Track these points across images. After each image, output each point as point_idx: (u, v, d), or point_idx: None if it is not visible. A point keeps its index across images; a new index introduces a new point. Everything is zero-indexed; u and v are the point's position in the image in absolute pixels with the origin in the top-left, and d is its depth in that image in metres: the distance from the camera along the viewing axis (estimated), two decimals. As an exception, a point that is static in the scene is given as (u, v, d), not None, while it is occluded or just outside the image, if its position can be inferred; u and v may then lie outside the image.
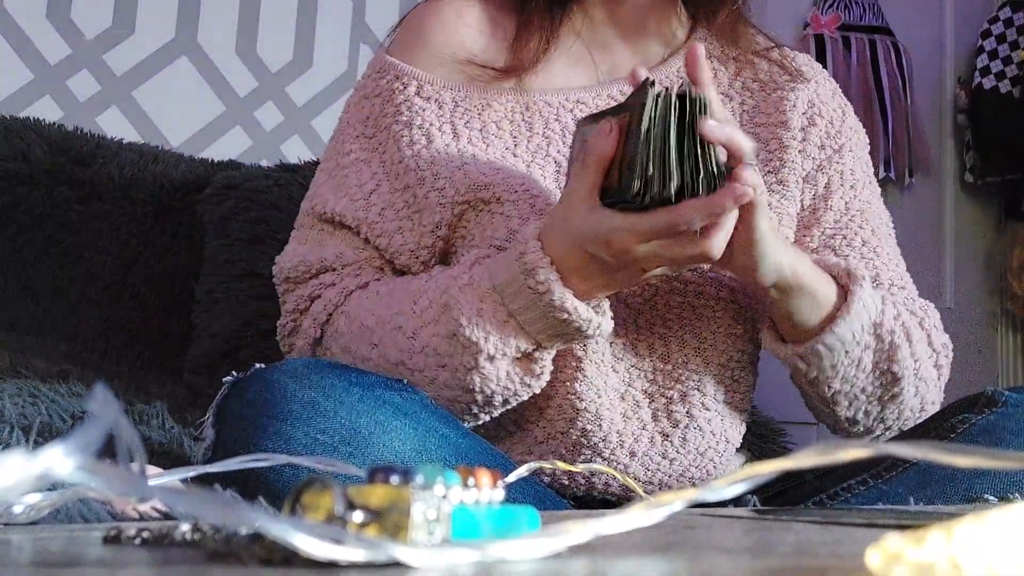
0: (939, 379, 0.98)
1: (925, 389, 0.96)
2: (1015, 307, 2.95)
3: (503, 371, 0.84)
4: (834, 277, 0.90)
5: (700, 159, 0.76)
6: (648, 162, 0.75)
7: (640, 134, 0.75)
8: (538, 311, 0.81)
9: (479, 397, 0.85)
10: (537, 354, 0.85)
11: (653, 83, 0.77)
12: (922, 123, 2.88)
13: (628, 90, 1.00)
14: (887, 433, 0.98)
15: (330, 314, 0.95)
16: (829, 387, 0.92)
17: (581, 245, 0.79)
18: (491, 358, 0.83)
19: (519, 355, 0.84)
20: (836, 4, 2.78)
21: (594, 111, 0.98)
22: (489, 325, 0.82)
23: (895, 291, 1.01)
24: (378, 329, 0.90)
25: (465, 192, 0.92)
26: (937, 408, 0.99)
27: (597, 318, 0.83)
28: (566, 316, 0.81)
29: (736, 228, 0.79)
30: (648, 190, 0.75)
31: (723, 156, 0.77)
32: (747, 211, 0.79)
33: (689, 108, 0.76)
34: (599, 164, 0.77)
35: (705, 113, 0.76)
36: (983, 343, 2.98)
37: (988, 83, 2.85)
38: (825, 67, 2.75)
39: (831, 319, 0.88)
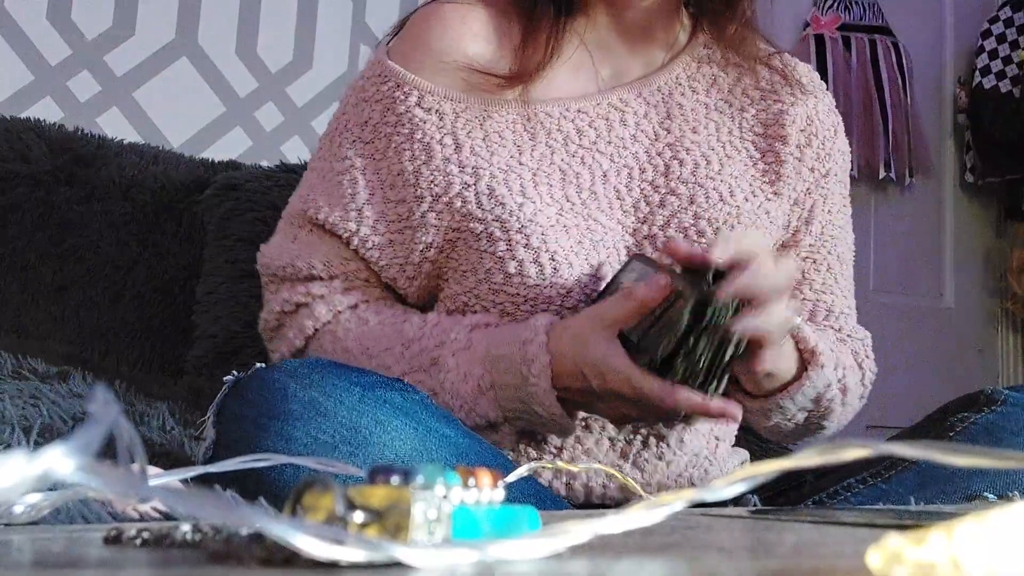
0: (861, 403, 1.04)
1: (846, 421, 1.02)
2: (1015, 307, 2.95)
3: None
4: (800, 350, 0.93)
5: (714, 356, 0.81)
6: (667, 352, 0.81)
7: (679, 327, 0.80)
8: (520, 394, 0.86)
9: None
10: (503, 428, 0.89)
11: (710, 286, 0.80)
12: (922, 123, 2.88)
13: (628, 97, 1.00)
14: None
15: (317, 329, 0.97)
16: (757, 425, 0.99)
17: (580, 363, 0.84)
18: (464, 415, 0.88)
19: (485, 424, 0.89)
20: (836, 4, 2.78)
21: (599, 135, 1.00)
22: (468, 393, 0.88)
23: (842, 320, 1.06)
24: (363, 359, 0.93)
25: (460, 220, 0.93)
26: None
27: (567, 423, 0.88)
28: (541, 411, 0.86)
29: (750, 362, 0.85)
30: (653, 364, 0.82)
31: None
32: (763, 344, 0.84)
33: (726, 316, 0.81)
34: (639, 308, 0.82)
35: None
36: (983, 343, 2.98)
37: (988, 83, 2.85)
38: (825, 67, 2.76)
39: (780, 390, 0.92)
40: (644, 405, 0.83)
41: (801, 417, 0.95)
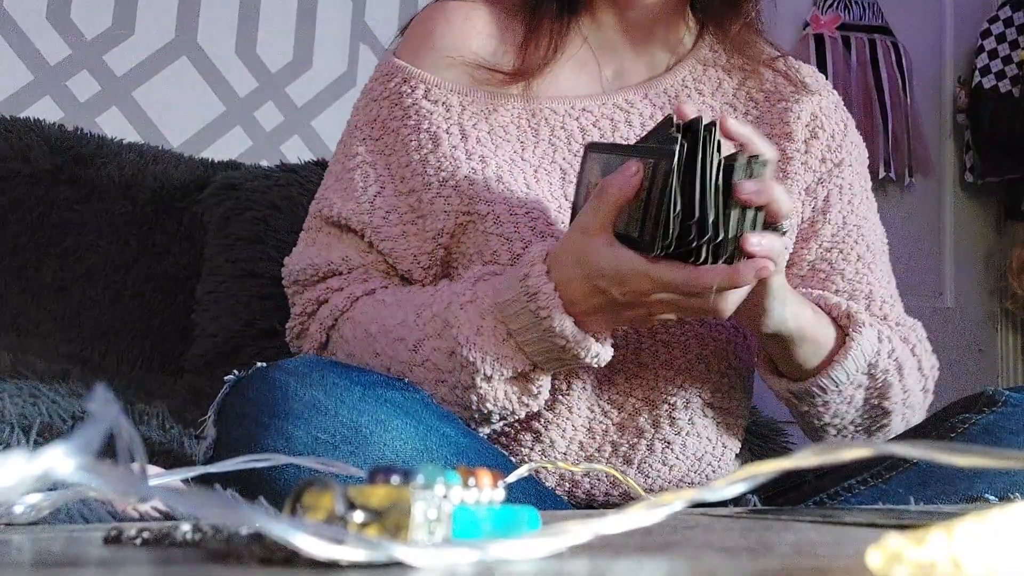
0: (925, 401, 1.00)
1: (912, 415, 0.98)
2: (1015, 307, 2.95)
3: (500, 391, 0.83)
4: (834, 319, 0.91)
5: (724, 215, 0.73)
6: (670, 218, 0.72)
7: (668, 187, 0.72)
8: (537, 334, 0.81)
9: (476, 415, 0.85)
10: (534, 375, 0.84)
11: (683, 128, 0.73)
12: (922, 123, 2.88)
13: (634, 99, 1.00)
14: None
15: (336, 319, 0.95)
16: (819, 419, 0.94)
17: (592, 278, 0.78)
18: (488, 378, 0.83)
19: (516, 375, 0.84)
20: (836, 4, 2.78)
21: (603, 135, 0.97)
22: (487, 345, 0.82)
23: (886, 308, 1.02)
24: (381, 338, 0.90)
25: (468, 203, 0.93)
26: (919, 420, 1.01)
27: (596, 347, 0.82)
28: (564, 343, 0.81)
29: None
30: (665, 244, 0.73)
31: (750, 215, 0.75)
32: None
33: (721, 160, 0.73)
34: (617, 203, 0.76)
35: (743, 172, 0.73)
36: (983, 343, 2.98)
37: (988, 82, 2.85)
38: (825, 67, 2.76)
39: (827, 363, 0.90)
40: (672, 299, 0.78)
41: (859, 398, 0.92)
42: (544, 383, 0.85)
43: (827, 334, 0.90)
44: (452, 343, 0.83)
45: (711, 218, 0.72)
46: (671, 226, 0.72)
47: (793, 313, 0.86)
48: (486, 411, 0.84)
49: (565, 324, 0.80)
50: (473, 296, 0.85)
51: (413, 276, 0.96)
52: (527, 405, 0.85)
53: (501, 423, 0.88)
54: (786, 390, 0.93)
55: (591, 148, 0.84)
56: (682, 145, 0.71)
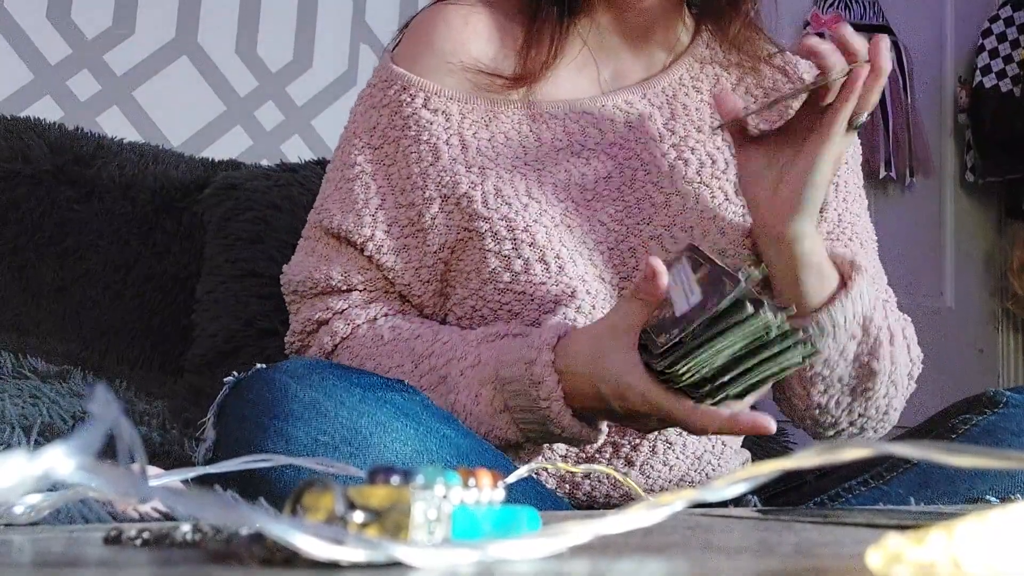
0: (908, 387, 0.99)
1: (894, 393, 0.97)
2: (1015, 307, 2.95)
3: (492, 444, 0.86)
4: (837, 266, 0.92)
5: (741, 373, 0.74)
6: (700, 365, 0.73)
7: (709, 338, 0.72)
8: (534, 416, 0.83)
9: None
10: (526, 444, 0.87)
11: (751, 305, 0.72)
12: (923, 122, 2.88)
13: (633, 99, 1.00)
14: (850, 429, 0.98)
15: (336, 345, 0.96)
16: (810, 366, 0.93)
17: (597, 384, 0.79)
18: (483, 436, 0.85)
19: (507, 445, 0.86)
20: (837, 3, 2.78)
21: (603, 136, 0.97)
22: (483, 414, 0.85)
23: None
24: None
25: (468, 219, 0.93)
26: (897, 416, 1.00)
27: (592, 435, 0.84)
28: (560, 431, 0.83)
29: (798, 157, 0.84)
30: (673, 373, 0.74)
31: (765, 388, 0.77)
32: (819, 141, 0.82)
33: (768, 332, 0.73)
34: (643, 307, 0.77)
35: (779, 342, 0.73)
36: (983, 343, 2.98)
37: (989, 82, 2.85)
38: (825, 67, 2.75)
39: (828, 301, 0.90)
40: (664, 422, 0.80)
41: (851, 351, 0.91)
42: (534, 452, 0.88)
43: (831, 274, 0.91)
44: (447, 404, 0.86)
45: (728, 380, 0.74)
46: (689, 365, 0.73)
47: (813, 232, 0.88)
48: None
49: (564, 416, 0.82)
50: (476, 360, 0.86)
51: (413, 291, 0.96)
52: (520, 458, 0.88)
53: None
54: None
55: (689, 251, 0.82)
56: (751, 309, 0.72)
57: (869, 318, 0.91)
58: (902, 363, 0.96)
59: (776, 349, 0.73)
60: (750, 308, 0.72)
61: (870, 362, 0.93)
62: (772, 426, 0.75)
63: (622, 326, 0.79)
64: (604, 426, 0.86)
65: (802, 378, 0.94)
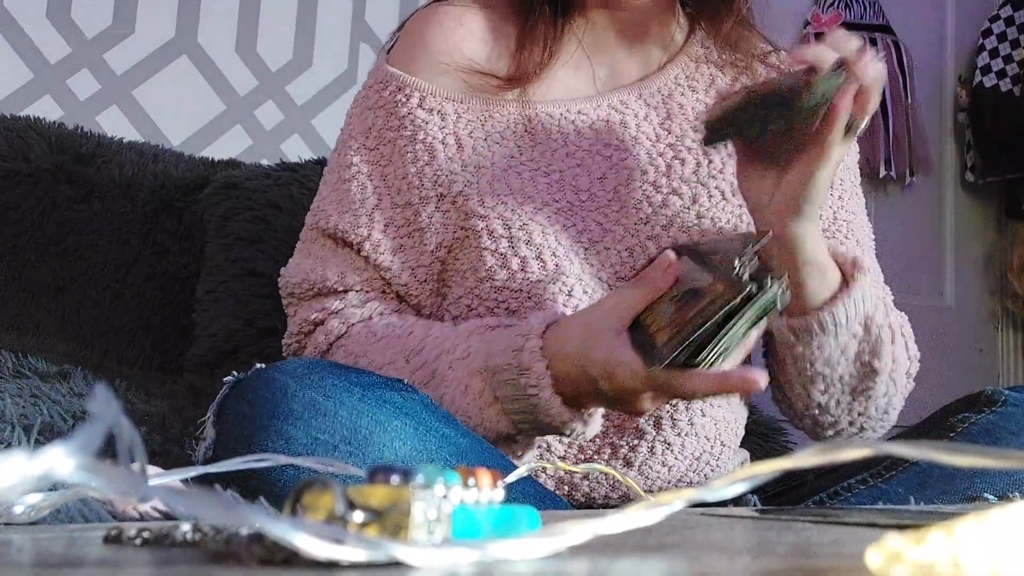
0: (907, 385, 0.99)
1: (894, 391, 0.97)
2: (1015, 307, 2.95)
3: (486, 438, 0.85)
4: (840, 265, 0.92)
5: (733, 342, 0.73)
6: (693, 345, 0.73)
7: (709, 322, 0.72)
8: (523, 405, 0.82)
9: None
10: (519, 437, 0.85)
11: (757, 283, 0.72)
12: (923, 122, 2.88)
13: (628, 99, 1.00)
14: (849, 429, 0.98)
15: (331, 344, 0.96)
16: (811, 365, 0.93)
17: (585, 366, 0.79)
18: (474, 429, 0.84)
19: (498, 438, 0.85)
20: (837, 2, 2.78)
21: (599, 136, 0.97)
22: (472, 407, 0.84)
23: None
24: None
25: (464, 218, 0.93)
26: (896, 415, 1.00)
27: (581, 427, 0.83)
28: (550, 420, 0.82)
29: (804, 156, 0.83)
30: (674, 361, 0.74)
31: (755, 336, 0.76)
32: (823, 145, 0.82)
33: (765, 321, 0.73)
34: (648, 296, 0.78)
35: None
36: (983, 343, 2.98)
37: (989, 81, 2.85)
38: (825, 66, 2.75)
39: (831, 300, 0.90)
40: (656, 396, 0.79)
41: (852, 349, 0.92)
42: (528, 446, 0.87)
43: (834, 274, 0.91)
44: (438, 396, 0.85)
45: (723, 347, 0.73)
46: (688, 348, 0.73)
47: (815, 233, 0.88)
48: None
49: (553, 403, 0.81)
50: (465, 352, 0.86)
51: (410, 291, 0.96)
52: (514, 454, 0.87)
53: None
54: (786, 325, 0.92)
55: (676, 250, 0.82)
56: (751, 289, 0.71)
57: (871, 316, 0.92)
58: (901, 361, 0.96)
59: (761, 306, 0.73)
60: (755, 289, 0.71)
61: (871, 360, 0.93)
62: (763, 381, 0.74)
63: (616, 311, 0.79)
64: (597, 417, 0.85)
65: (802, 378, 0.94)
